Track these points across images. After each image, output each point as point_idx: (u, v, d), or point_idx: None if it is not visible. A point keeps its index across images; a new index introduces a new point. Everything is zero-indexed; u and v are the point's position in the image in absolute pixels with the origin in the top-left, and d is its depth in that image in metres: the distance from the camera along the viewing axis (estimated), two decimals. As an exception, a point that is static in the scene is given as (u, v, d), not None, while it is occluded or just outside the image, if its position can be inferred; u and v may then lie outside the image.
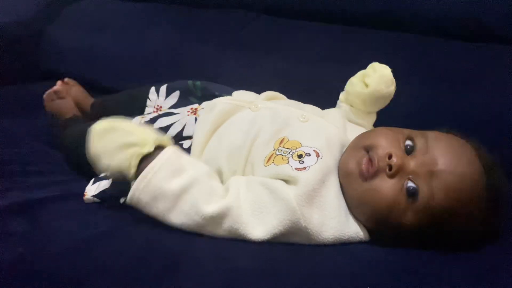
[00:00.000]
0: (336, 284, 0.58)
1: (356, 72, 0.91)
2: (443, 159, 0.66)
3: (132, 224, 0.69)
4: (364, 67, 0.88)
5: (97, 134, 0.68)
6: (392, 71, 0.87)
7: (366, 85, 0.87)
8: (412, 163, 0.67)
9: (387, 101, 0.89)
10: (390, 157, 0.67)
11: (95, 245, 0.64)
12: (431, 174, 0.65)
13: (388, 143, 0.69)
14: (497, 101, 1.04)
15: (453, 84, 1.09)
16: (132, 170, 0.67)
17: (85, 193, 0.79)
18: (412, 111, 1.07)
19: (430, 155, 0.67)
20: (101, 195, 0.78)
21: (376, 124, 0.92)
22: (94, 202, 0.78)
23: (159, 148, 0.69)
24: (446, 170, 0.65)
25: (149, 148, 0.67)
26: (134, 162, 0.67)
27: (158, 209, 0.66)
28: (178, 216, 0.66)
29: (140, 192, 0.66)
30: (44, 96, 1.19)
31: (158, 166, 0.66)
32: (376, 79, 0.86)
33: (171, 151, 0.69)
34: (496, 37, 1.15)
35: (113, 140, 0.67)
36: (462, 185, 0.65)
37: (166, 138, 0.71)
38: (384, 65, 0.88)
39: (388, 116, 0.88)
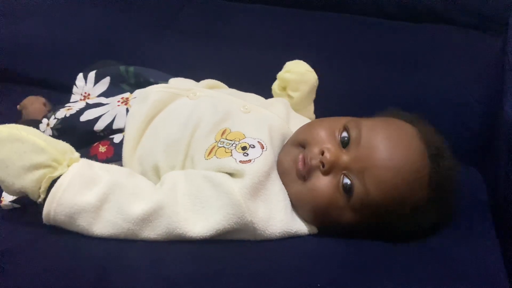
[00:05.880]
0: (284, 282, 0.55)
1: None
2: (375, 152, 0.62)
3: (56, 231, 0.61)
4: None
5: None
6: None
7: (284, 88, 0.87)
8: (346, 158, 0.64)
9: (312, 89, 0.88)
10: (323, 153, 0.64)
11: (12, 259, 0.56)
12: (363, 169, 0.62)
13: (322, 137, 0.67)
14: (444, 81, 1.03)
15: (400, 65, 1.07)
16: (42, 195, 0.59)
17: (1, 199, 0.70)
18: (359, 94, 1.04)
19: (362, 149, 0.63)
20: (20, 199, 0.69)
21: (323, 110, 0.89)
22: (14, 208, 0.70)
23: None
24: (377, 165, 0.62)
25: (62, 171, 0.60)
26: (45, 186, 0.59)
27: (80, 226, 0.59)
28: (104, 228, 0.59)
29: (53, 214, 0.59)
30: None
31: (66, 182, 0.59)
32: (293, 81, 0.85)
33: (79, 164, 0.62)
34: (438, 18, 1.13)
35: (18, 154, 0.59)
36: (397, 178, 0.61)
37: (77, 155, 0.64)
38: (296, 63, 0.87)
39: (335, 99, 0.86)
